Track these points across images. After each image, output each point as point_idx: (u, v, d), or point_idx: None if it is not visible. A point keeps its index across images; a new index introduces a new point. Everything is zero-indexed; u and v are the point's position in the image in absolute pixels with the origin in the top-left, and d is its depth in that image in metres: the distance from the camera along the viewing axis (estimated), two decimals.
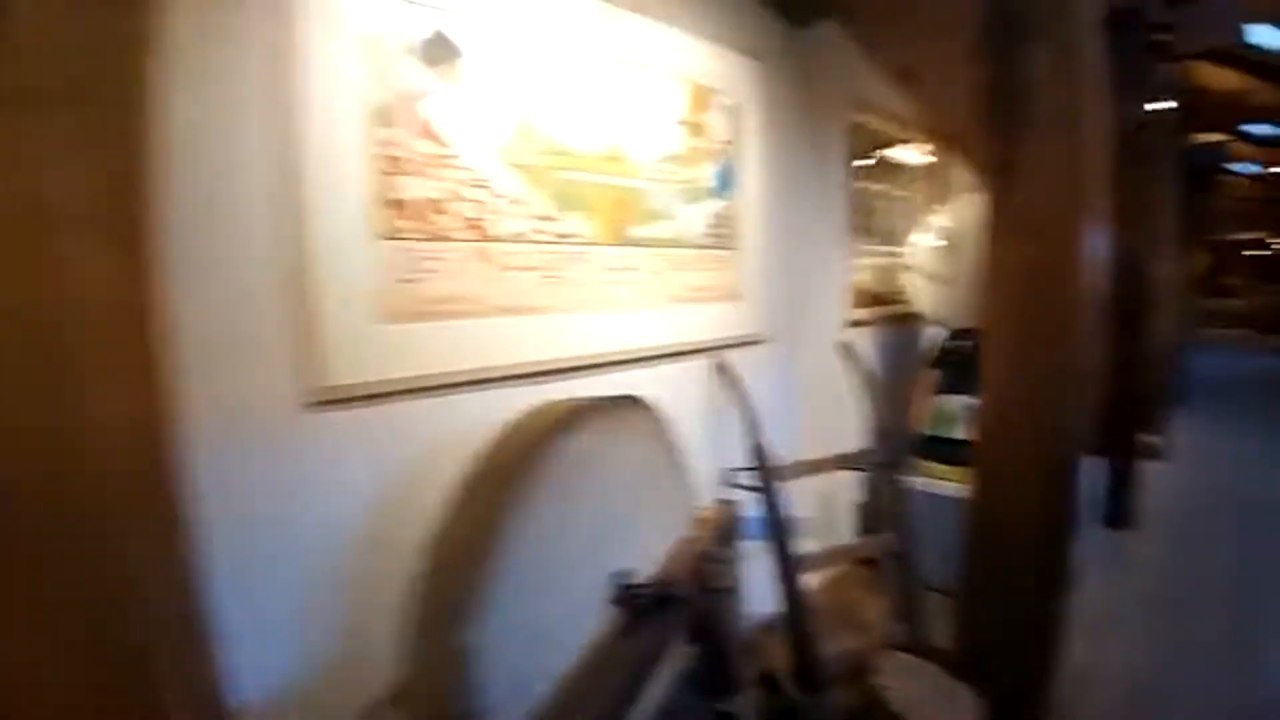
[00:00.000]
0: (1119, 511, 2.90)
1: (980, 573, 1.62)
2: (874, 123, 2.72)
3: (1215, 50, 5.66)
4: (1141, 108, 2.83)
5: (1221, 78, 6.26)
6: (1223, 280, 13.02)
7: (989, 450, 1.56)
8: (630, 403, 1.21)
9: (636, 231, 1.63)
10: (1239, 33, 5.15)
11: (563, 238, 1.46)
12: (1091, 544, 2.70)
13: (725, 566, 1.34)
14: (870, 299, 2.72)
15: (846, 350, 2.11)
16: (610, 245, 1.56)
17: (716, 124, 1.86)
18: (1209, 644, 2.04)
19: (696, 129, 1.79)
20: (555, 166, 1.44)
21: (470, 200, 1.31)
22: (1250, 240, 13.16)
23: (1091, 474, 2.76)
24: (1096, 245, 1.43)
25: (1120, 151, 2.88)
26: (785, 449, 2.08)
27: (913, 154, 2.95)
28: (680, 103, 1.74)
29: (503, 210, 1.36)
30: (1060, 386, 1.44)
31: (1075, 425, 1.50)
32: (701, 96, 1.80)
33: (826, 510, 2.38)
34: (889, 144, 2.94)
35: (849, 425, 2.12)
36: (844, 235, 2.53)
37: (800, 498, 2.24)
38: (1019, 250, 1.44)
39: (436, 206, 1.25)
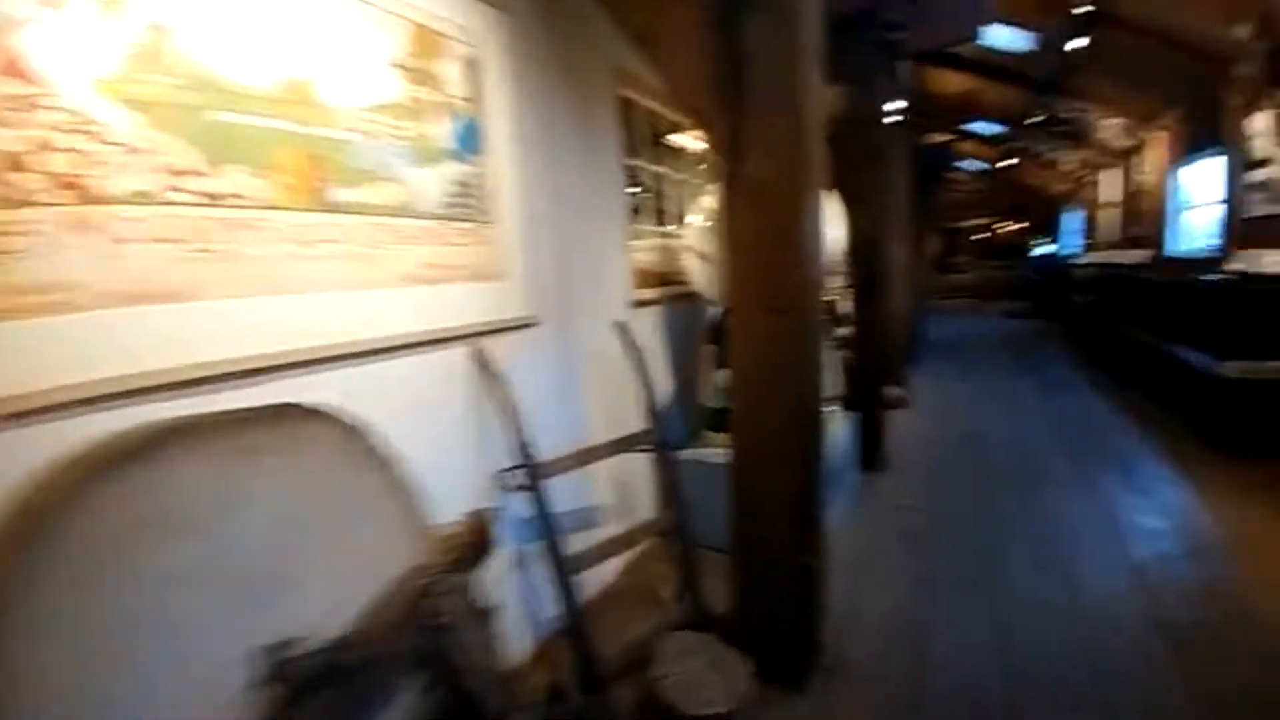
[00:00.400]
0: (872, 457, 3.29)
1: (743, 533, 1.64)
2: (648, 101, 2.67)
3: (946, 52, 6.75)
4: (879, 104, 3.17)
5: (952, 81, 7.52)
6: (954, 259, 16.10)
7: (741, 415, 1.57)
8: (299, 414, 0.93)
9: (339, 194, 1.32)
10: (974, 33, 6.10)
11: (216, 199, 1.11)
12: (850, 488, 3.00)
13: (459, 594, 1.14)
14: (655, 279, 2.70)
15: (621, 330, 2.02)
16: (299, 210, 1.24)
17: (451, 76, 1.60)
18: (959, 575, 2.28)
19: (422, 78, 1.52)
20: (201, 105, 1.08)
21: (65, 150, 0.92)
22: (976, 226, 16.41)
23: (848, 426, 3.08)
24: (817, 215, 1.48)
25: (860, 144, 3.26)
26: (568, 437, 1.94)
27: (690, 139, 2.98)
28: (396, 43, 1.45)
29: (115, 162, 0.98)
30: (798, 350, 1.47)
31: (815, 385, 1.55)
32: (427, 40, 1.53)
33: (626, 492, 2.32)
34: (671, 129, 2.93)
35: (635, 406, 2.05)
36: (622, 214, 2.45)
37: (598, 483, 2.14)
38: (751, 222, 1.43)
39: (15, 162, 0.86)
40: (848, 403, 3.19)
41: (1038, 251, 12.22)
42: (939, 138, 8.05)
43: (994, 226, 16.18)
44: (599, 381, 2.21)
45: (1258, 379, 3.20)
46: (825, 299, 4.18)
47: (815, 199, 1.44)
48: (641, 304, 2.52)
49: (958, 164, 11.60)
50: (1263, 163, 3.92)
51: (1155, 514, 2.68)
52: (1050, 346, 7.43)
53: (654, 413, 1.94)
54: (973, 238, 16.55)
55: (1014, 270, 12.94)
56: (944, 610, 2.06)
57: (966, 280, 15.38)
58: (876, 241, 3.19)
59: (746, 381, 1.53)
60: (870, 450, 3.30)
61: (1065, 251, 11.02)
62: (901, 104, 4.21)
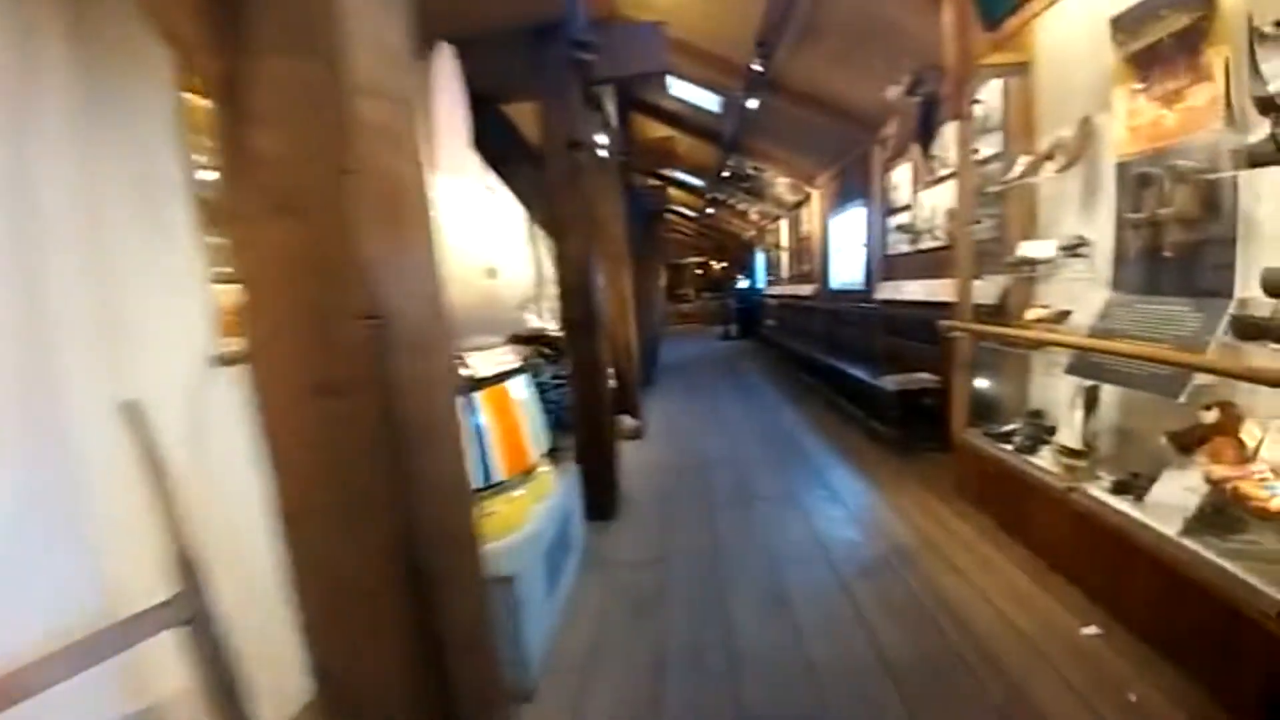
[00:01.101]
0: (602, 504, 2.92)
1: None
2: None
3: (649, 103, 7.18)
4: (580, 127, 2.86)
5: (657, 130, 8.11)
6: (681, 290, 18.00)
7: (301, 567, 0.88)
8: None
9: None
10: (660, 72, 6.52)
11: None
12: (576, 549, 2.55)
13: None
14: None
15: (132, 417, 1.15)
16: None
17: None
18: (692, 643, 1.99)
19: None
20: None
21: None
22: (696, 263, 18.59)
23: (569, 480, 2.65)
24: (415, 234, 0.90)
25: (559, 168, 2.97)
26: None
27: None
28: None
29: None
30: (382, 454, 0.85)
31: (439, 510, 0.95)
32: None
33: None
34: None
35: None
36: (186, 232, 1.56)
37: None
38: (269, 235, 0.78)
39: None
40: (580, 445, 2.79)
41: (739, 285, 14.22)
42: (652, 182, 8.58)
43: (709, 264, 18.57)
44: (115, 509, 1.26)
45: (909, 389, 3.74)
46: (543, 335, 3.91)
47: (395, 206, 0.86)
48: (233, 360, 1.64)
49: (674, 208, 12.84)
50: (903, 208, 4.79)
51: (852, 525, 2.82)
52: (754, 365, 8.39)
53: (190, 565, 1.12)
54: (696, 272, 18.78)
55: (725, 301, 14.87)
56: (677, 700, 1.70)
57: (692, 309, 17.33)
58: (587, 273, 2.85)
59: (299, 515, 0.86)
60: (600, 496, 2.91)
61: (759, 285, 12.99)
62: (604, 139, 4.08)
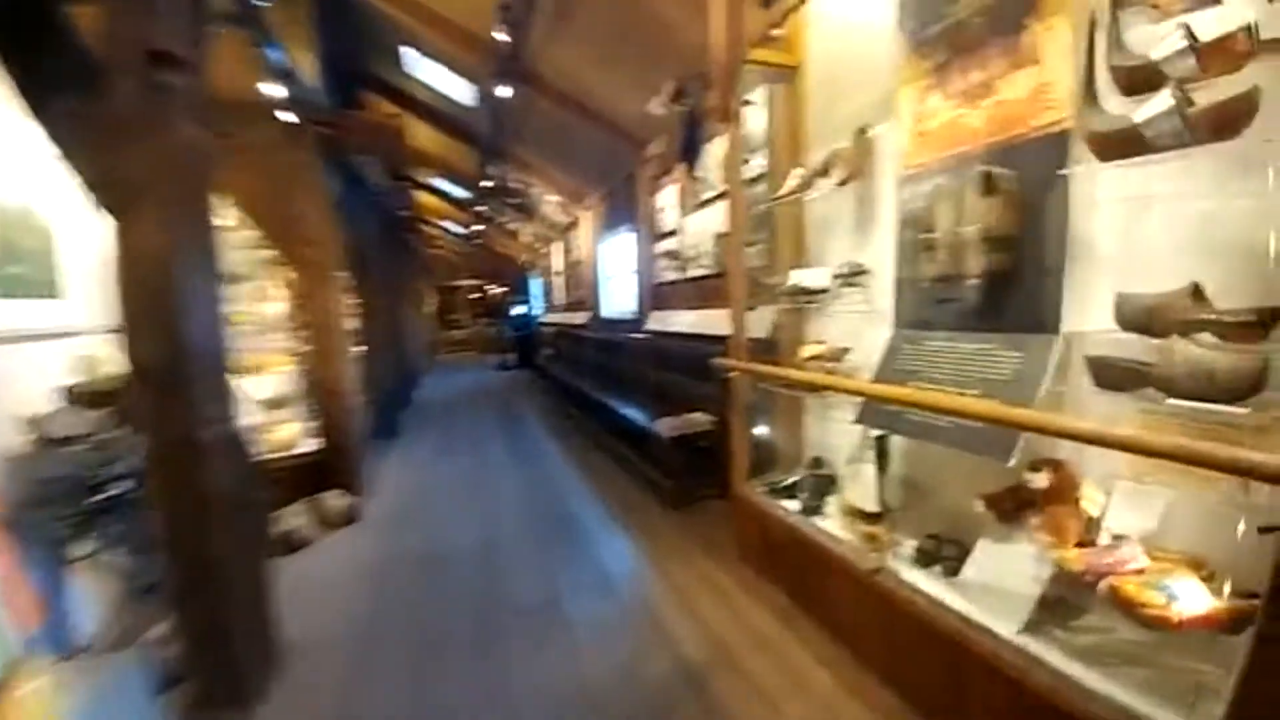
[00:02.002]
0: (234, 683, 1.65)
1: None
2: None
3: (381, 81, 5.86)
4: (153, 23, 1.63)
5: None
6: (453, 316, 16.29)
7: None
8: None
9: None
10: (396, 55, 5.34)
11: None
12: None
13: None
14: None
15: None
16: None
17: None
18: None
19: None
20: None
21: None
22: (471, 286, 17.01)
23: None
24: None
25: (130, 98, 1.65)
26: None
27: None
28: None
29: None
30: None
31: None
32: None
33: None
34: None
35: None
36: None
37: None
38: None
39: None
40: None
41: (515, 311, 13.30)
42: (396, 181, 7.16)
43: (485, 288, 17.22)
44: None
45: (685, 434, 3.19)
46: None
47: None
48: None
49: (433, 220, 11.41)
50: (670, 233, 4.35)
51: (627, 634, 2.02)
52: (528, 401, 7.45)
53: None
54: (472, 296, 17.21)
55: (502, 327, 13.77)
56: None
57: (467, 335, 15.75)
58: (169, 275, 1.61)
59: None
60: (217, 679, 1.64)
61: (535, 312, 12.24)
62: (283, 91, 2.82)
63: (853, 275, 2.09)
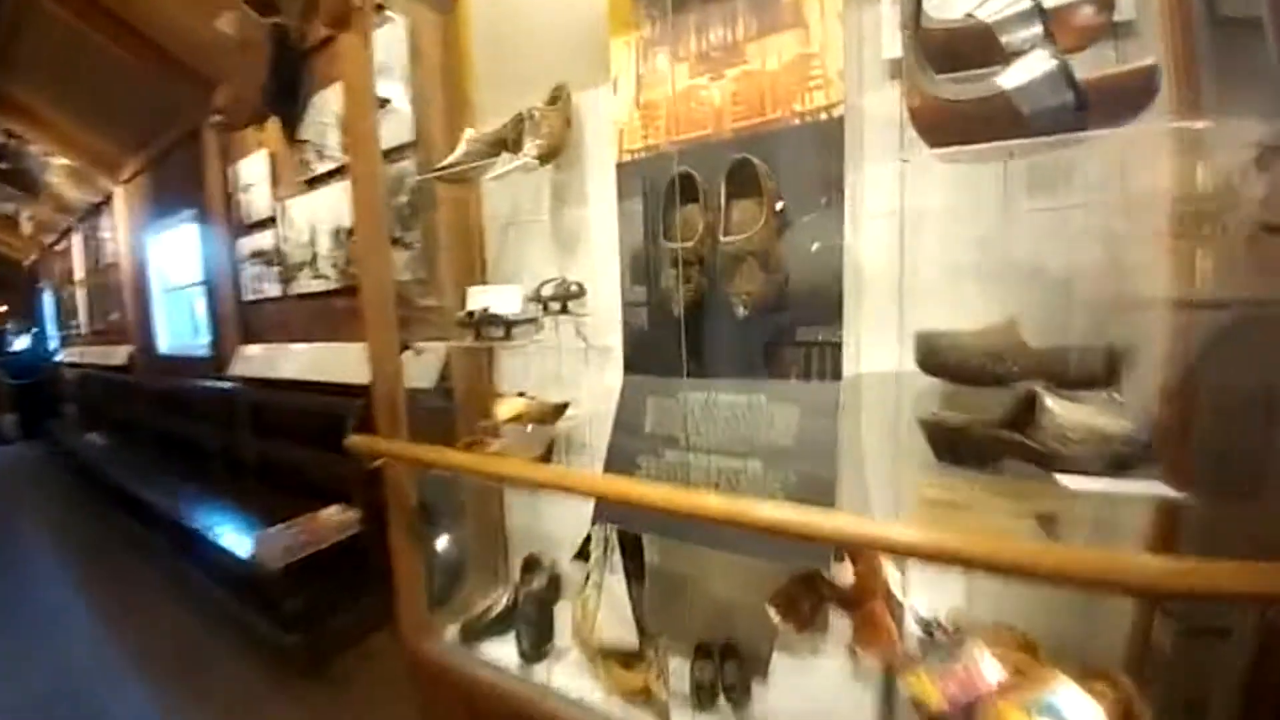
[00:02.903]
0: None
1: None
2: None
3: None
4: None
5: None
6: None
7: None
8: None
9: None
10: None
11: None
12: None
13: None
14: None
15: None
16: None
17: None
18: None
19: None
20: None
21: None
22: None
23: None
24: None
25: None
26: None
27: None
28: None
29: None
30: None
31: None
32: None
33: None
34: None
35: None
36: None
37: None
38: None
39: None
40: None
41: (16, 345, 8.25)
42: None
43: None
44: None
45: (307, 554, 1.96)
46: None
47: None
48: None
49: None
50: (264, 223, 2.84)
51: None
52: (40, 510, 4.22)
53: None
54: None
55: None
56: None
57: None
58: None
59: None
60: None
61: (51, 345, 7.81)
62: None
63: (562, 297, 1.43)
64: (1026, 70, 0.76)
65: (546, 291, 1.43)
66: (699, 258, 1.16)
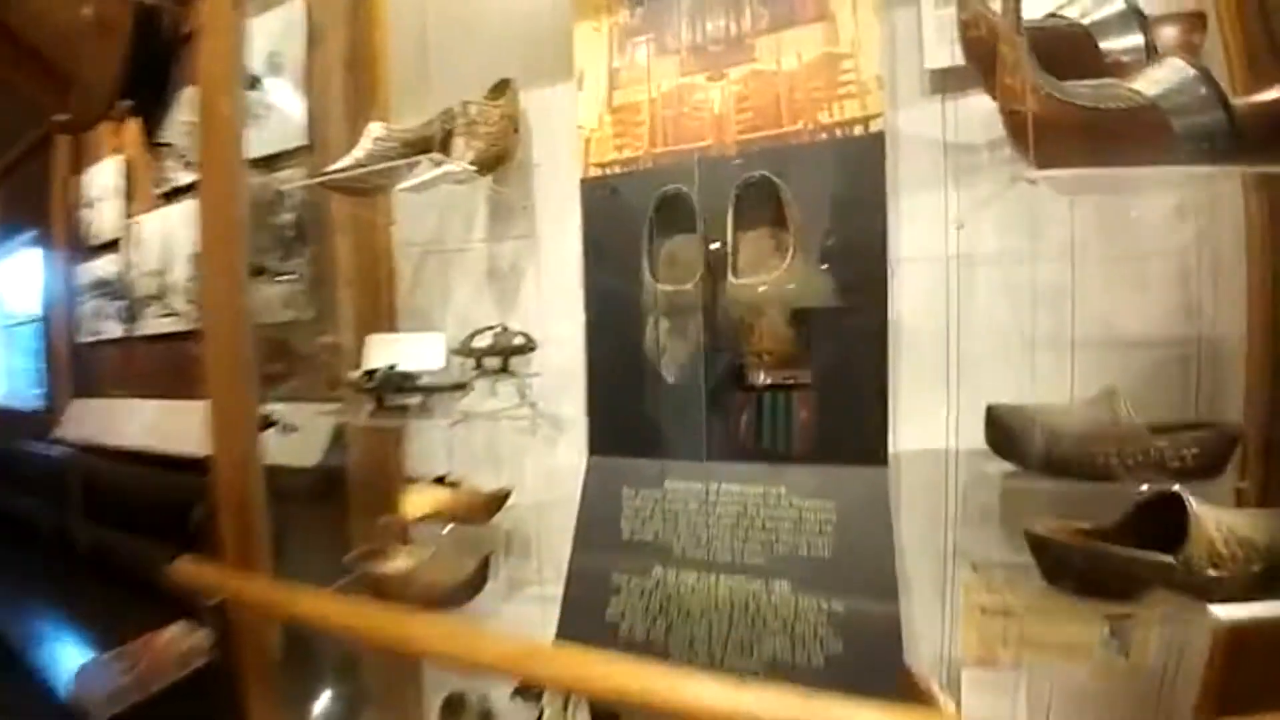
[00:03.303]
0: None
1: None
2: None
3: None
4: None
5: None
6: None
7: None
8: None
9: None
10: None
11: None
12: None
13: None
14: None
15: None
16: None
17: None
18: None
19: None
20: None
21: None
22: None
23: None
24: None
25: None
26: None
27: None
28: None
29: None
30: None
31: None
32: None
33: None
34: None
35: None
36: None
37: None
38: None
39: None
40: None
41: None
42: None
43: None
44: None
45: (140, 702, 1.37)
46: None
47: None
48: None
49: None
50: (108, 245, 2.22)
51: None
52: None
53: None
54: None
55: None
56: None
57: None
58: None
59: None
60: None
61: None
62: None
63: (502, 351, 1.07)
64: (1163, 78, 0.54)
65: (480, 343, 1.07)
66: (698, 304, 0.86)
